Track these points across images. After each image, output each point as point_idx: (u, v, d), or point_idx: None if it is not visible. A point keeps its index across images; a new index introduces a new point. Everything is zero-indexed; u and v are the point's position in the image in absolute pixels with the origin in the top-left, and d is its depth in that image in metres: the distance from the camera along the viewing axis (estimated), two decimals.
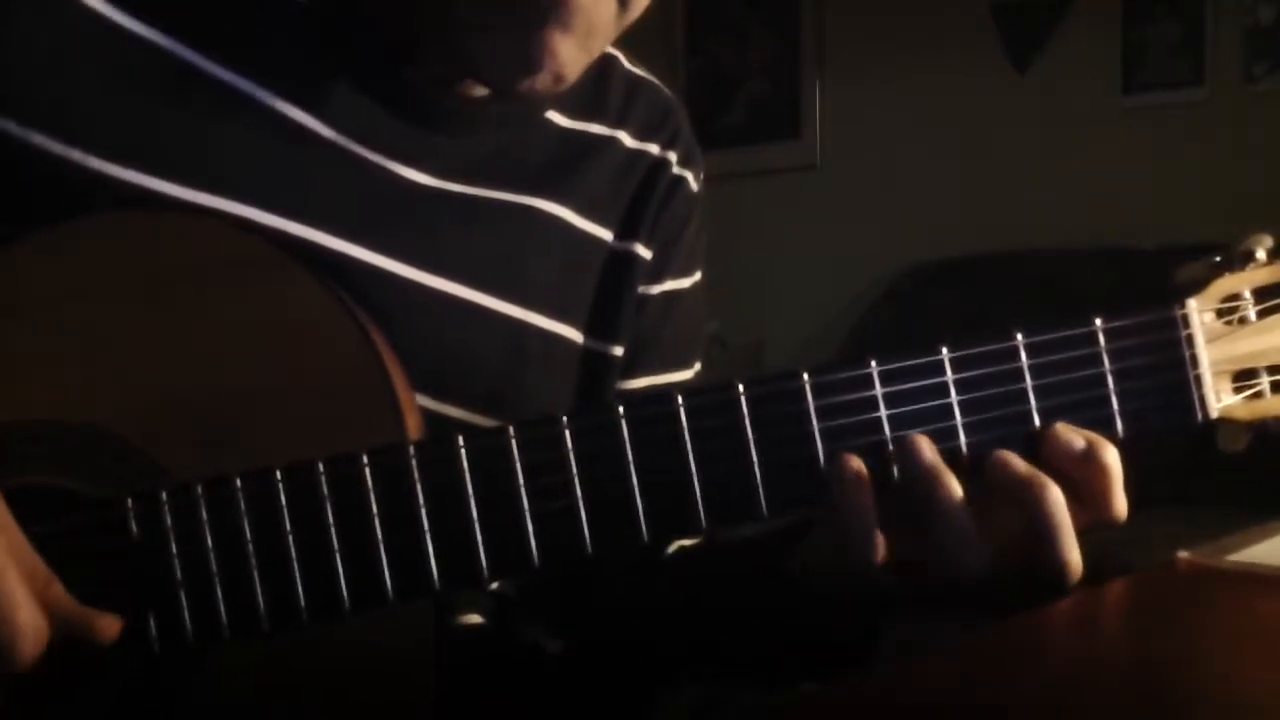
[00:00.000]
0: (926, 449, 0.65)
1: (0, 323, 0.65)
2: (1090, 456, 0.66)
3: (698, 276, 0.95)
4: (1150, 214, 3.02)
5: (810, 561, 0.73)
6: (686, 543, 0.88)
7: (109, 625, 0.60)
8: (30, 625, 0.56)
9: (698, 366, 0.95)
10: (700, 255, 0.95)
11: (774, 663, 0.80)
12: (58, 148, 0.69)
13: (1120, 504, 0.66)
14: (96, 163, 0.69)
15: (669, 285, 0.91)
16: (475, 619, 0.80)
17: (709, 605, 0.83)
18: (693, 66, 3.82)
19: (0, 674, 0.56)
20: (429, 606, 0.65)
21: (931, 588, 0.67)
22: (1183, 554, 0.80)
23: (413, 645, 0.65)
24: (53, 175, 0.69)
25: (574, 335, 0.85)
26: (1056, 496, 0.65)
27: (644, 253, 0.89)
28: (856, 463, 0.65)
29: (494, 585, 0.82)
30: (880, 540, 0.65)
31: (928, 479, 0.65)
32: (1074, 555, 0.65)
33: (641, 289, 0.89)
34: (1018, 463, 0.66)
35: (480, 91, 0.81)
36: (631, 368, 0.90)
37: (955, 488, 0.64)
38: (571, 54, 0.72)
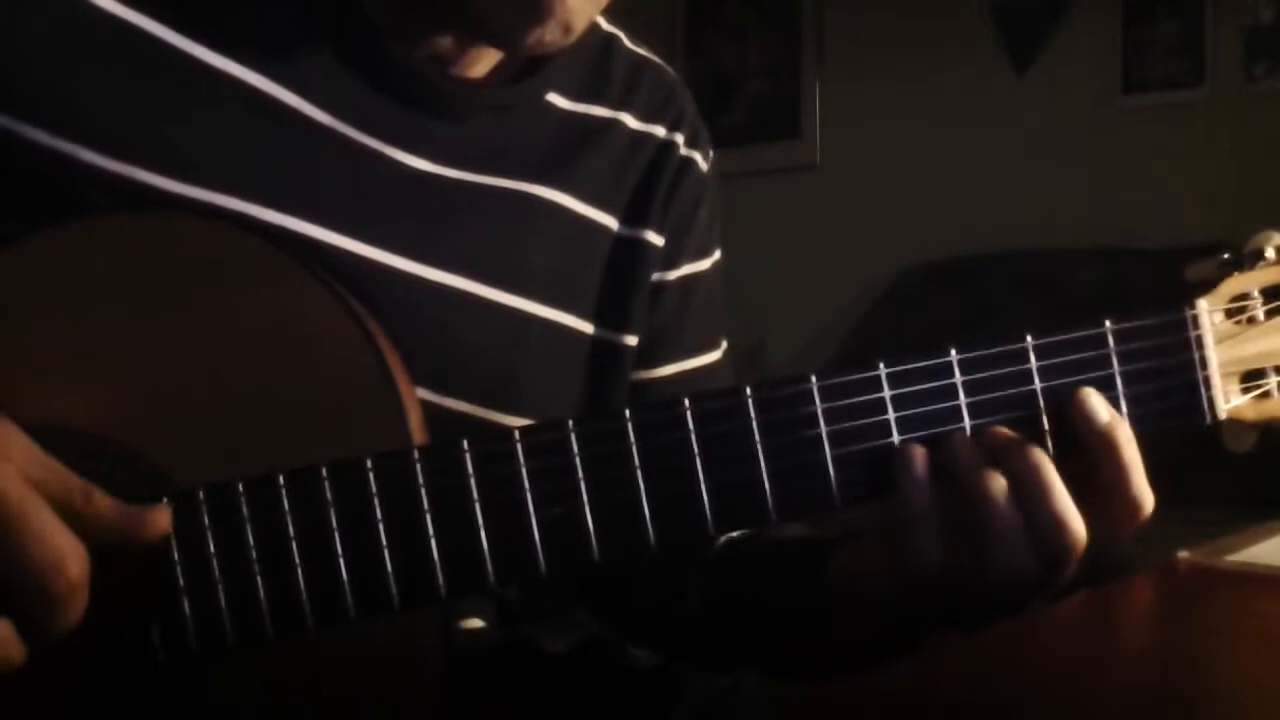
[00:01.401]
0: (966, 447, 0.65)
1: (0, 325, 0.65)
2: (1107, 438, 0.65)
3: (716, 256, 0.94)
4: (1150, 214, 3.02)
5: (853, 564, 0.73)
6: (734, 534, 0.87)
7: (160, 517, 0.59)
8: (69, 548, 0.55)
9: (724, 345, 0.94)
10: (716, 235, 0.94)
11: (804, 665, 0.79)
12: (52, 142, 0.69)
13: (1137, 498, 0.66)
14: (91, 156, 0.69)
15: (686, 269, 0.90)
16: (478, 624, 0.80)
17: (745, 602, 0.82)
18: (693, 66, 3.82)
19: (55, 600, 0.55)
20: (433, 613, 0.65)
21: (979, 593, 0.66)
22: (1183, 554, 0.80)
23: (417, 651, 0.65)
24: (49, 171, 0.69)
25: (578, 324, 0.85)
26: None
27: (655, 239, 0.88)
28: (923, 452, 0.65)
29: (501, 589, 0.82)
30: (938, 536, 0.65)
31: (975, 474, 0.64)
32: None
33: (656, 276, 0.88)
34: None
35: (479, 72, 0.80)
36: (656, 357, 0.89)
37: (1001, 482, 0.64)
38: (580, 3, 0.72)
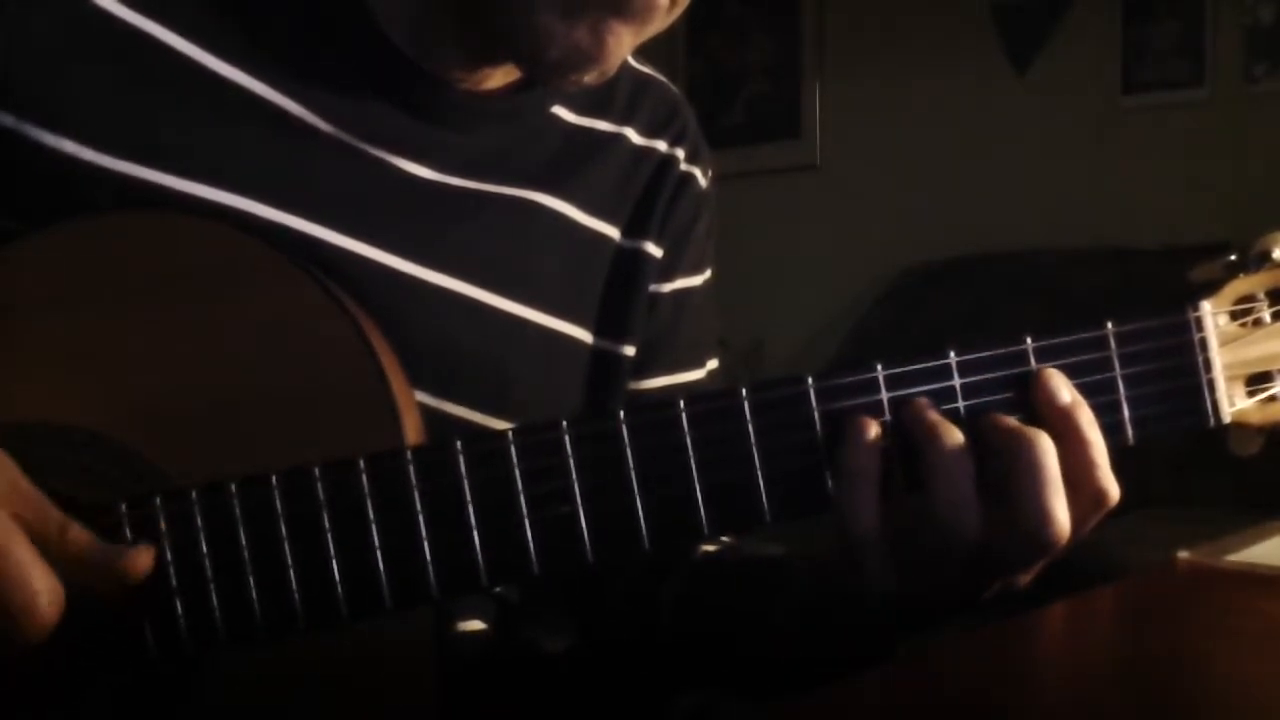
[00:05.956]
0: (927, 405, 0.64)
1: None
2: (1069, 418, 0.63)
3: (709, 274, 0.94)
4: (1150, 214, 3.02)
5: (822, 566, 0.72)
6: (710, 547, 0.87)
7: (140, 559, 0.59)
8: (45, 586, 0.56)
9: (711, 365, 0.94)
10: (710, 252, 0.95)
11: (778, 674, 0.79)
12: (55, 141, 0.69)
13: (1100, 487, 0.63)
14: (93, 155, 0.69)
15: (680, 283, 0.91)
16: (477, 625, 0.80)
17: (716, 608, 0.82)
18: (693, 66, 3.82)
19: (24, 641, 0.56)
20: (429, 613, 0.65)
21: (926, 555, 0.64)
22: (1183, 554, 0.80)
23: (415, 652, 0.65)
24: (51, 169, 0.69)
25: (578, 333, 0.85)
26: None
27: (654, 251, 0.88)
28: (874, 426, 0.63)
29: (495, 589, 0.82)
30: (877, 502, 0.63)
31: (928, 427, 0.63)
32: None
33: (653, 288, 0.89)
34: (1008, 419, 0.63)
35: (485, 86, 0.81)
36: (645, 368, 0.89)
37: (957, 436, 0.62)
38: (627, 49, 0.74)
